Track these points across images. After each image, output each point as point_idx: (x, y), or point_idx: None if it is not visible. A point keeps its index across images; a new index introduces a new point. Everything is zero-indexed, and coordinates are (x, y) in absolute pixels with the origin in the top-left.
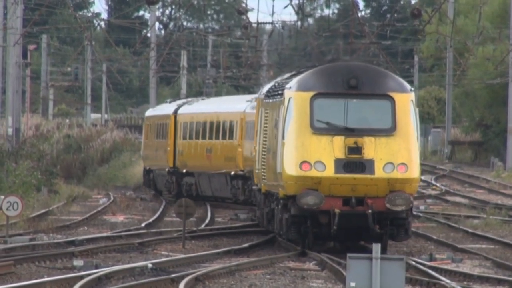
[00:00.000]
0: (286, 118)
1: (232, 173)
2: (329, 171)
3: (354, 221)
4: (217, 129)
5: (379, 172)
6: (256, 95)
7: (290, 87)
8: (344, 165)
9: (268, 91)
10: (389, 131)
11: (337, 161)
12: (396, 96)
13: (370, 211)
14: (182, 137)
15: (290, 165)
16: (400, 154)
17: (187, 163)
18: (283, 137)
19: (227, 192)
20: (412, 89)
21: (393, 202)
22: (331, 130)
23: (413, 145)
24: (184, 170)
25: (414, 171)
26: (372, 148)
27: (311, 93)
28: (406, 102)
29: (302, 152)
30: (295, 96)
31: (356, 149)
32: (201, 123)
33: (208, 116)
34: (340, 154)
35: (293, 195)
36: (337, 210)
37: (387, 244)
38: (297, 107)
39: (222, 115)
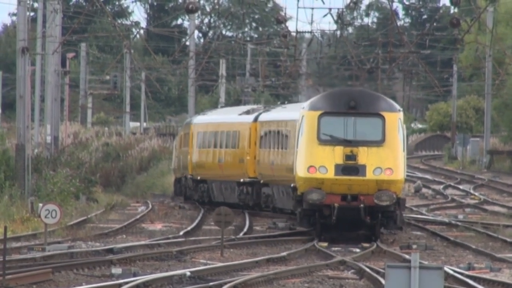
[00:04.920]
0: (300, 132)
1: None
2: (330, 173)
3: (350, 213)
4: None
5: (370, 174)
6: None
7: (303, 107)
8: (342, 169)
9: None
10: (379, 142)
11: (337, 166)
12: (386, 115)
13: (362, 205)
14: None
15: (300, 169)
16: (387, 160)
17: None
18: (297, 147)
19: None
20: (401, 109)
21: (380, 198)
22: (333, 141)
23: (399, 153)
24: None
25: (399, 174)
26: (365, 155)
27: (319, 112)
28: (395, 120)
29: (310, 159)
30: (307, 115)
31: (352, 157)
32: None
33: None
34: (339, 160)
35: (303, 193)
36: (336, 204)
37: (379, 232)
38: (307, 123)
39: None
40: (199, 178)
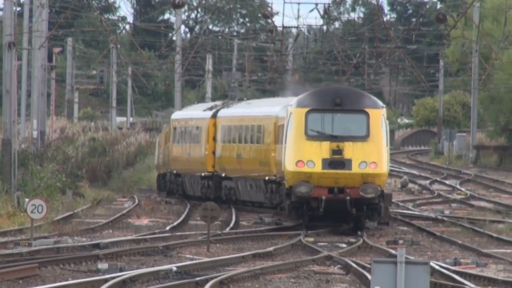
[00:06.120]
0: (288, 128)
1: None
2: (318, 167)
3: (336, 205)
4: None
5: (355, 168)
6: None
7: (291, 105)
8: (329, 163)
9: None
10: (364, 137)
11: (324, 160)
12: (370, 111)
13: (348, 197)
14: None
15: (289, 163)
16: (372, 155)
17: None
18: (285, 142)
19: None
20: (384, 106)
21: (365, 191)
22: (320, 136)
23: (382, 148)
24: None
25: (383, 168)
26: (350, 150)
27: (306, 109)
28: (378, 116)
29: (298, 153)
30: (294, 111)
31: (338, 151)
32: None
33: None
34: (326, 155)
35: (291, 186)
36: (323, 197)
37: (365, 223)
38: (295, 120)
39: None
40: (175, 172)
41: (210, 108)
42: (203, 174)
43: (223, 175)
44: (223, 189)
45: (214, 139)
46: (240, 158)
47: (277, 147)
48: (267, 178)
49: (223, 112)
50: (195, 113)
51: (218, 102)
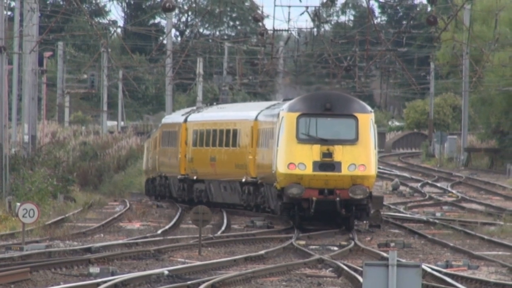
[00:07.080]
0: (280, 131)
1: None
2: (309, 170)
3: (327, 206)
4: None
5: (345, 170)
6: None
7: (283, 109)
8: (320, 166)
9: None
10: (353, 141)
11: (315, 163)
12: (359, 116)
13: (338, 199)
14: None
15: (281, 165)
16: (360, 157)
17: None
18: (277, 145)
19: None
20: (372, 110)
21: (354, 192)
22: (311, 140)
23: (371, 151)
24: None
25: (371, 170)
26: (340, 153)
27: (297, 113)
28: (367, 120)
29: (290, 156)
30: (286, 116)
31: (328, 154)
32: None
33: None
34: (317, 157)
35: (283, 187)
36: (314, 198)
37: (354, 223)
38: (287, 123)
39: None
40: (163, 175)
41: (187, 113)
42: (178, 177)
43: (195, 178)
44: (195, 191)
45: (186, 143)
46: (214, 161)
47: (257, 150)
48: (243, 180)
49: (193, 117)
50: (174, 117)
51: (195, 107)
